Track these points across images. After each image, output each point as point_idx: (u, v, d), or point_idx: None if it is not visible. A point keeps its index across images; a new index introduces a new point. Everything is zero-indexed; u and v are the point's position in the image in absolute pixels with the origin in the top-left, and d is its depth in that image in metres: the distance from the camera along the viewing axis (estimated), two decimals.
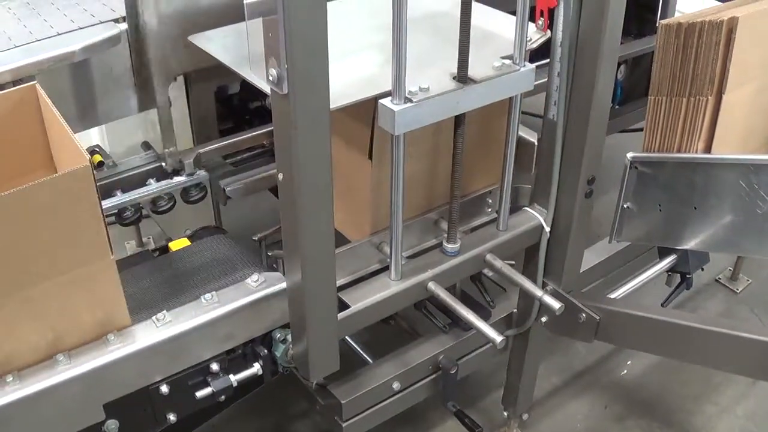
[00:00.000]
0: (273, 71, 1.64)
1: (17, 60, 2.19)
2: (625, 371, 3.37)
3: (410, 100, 1.89)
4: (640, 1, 3.75)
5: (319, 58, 1.62)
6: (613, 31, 2.10)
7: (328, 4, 2.46)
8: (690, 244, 2.47)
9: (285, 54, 1.58)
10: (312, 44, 1.60)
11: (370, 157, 2.17)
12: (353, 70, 2.12)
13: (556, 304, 2.28)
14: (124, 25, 2.32)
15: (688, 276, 2.74)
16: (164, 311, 1.98)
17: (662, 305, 2.77)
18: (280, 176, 1.80)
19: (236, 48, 2.20)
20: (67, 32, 2.33)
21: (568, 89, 2.20)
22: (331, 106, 1.73)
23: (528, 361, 2.81)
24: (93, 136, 3.45)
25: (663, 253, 2.70)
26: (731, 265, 3.86)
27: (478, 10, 2.36)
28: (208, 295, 2.03)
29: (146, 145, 2.80)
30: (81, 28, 2.34)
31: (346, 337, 2.76)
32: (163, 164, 2.57)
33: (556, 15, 2.11)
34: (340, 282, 2.17)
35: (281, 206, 1.86)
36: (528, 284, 2.34)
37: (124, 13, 2.31)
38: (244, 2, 1.69)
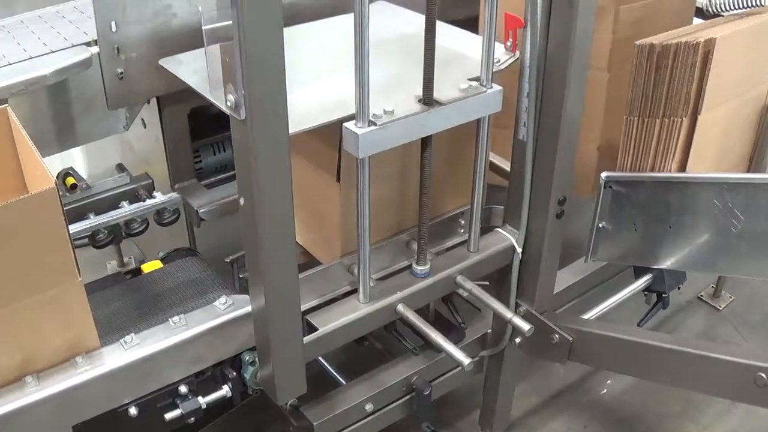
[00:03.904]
0: (231, 97, 1.64)
1: None
2: (605, 390, 3.35)
3: (374, 123, 1.89)
4: None
5: (276, 83, 1.63)
6: (581, 51, 2.11)
7: (305, 24, 2.50)
8: (666, 264, 2.47)
9: (242, 80, 1.59)
10: (269, 70, 1.60)
11: (339, 180, 2.18)
12: (323, 93, 2.12)
13: (525, 326, 2.27)
14: (95, 48, 2.31)
15: (664, 295, 2.74)
16: (132, 334, 1.98)
17: (638, 325, 2.77)
18: (242, 201, 1.80)
19: (206, 71, 2.20)
20: (39, 56, 2.33)
21: (538, 110, 2.20)
22: (292, 130, 1.73)
23: (504, 382, 2.81)
24: (76, 158, 3.47)
25: (639, 272, 2.70)
26: (713, 283, 3.85)
27: (449, 32, 2.37)
28: (176, 318, 2.03)
29: (120, 167, 2.80)
30: (53, 52, 2.34)
31: (320, 359, 2.76)
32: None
33: (523, 36, 2.12)
34: (310, 304, 2.18)
35: (243, 231, 1.86)
36: (498, 306, 2.33)
37: (96, 37, 2.31)
38: (203, 28, 1.70)
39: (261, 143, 1.67)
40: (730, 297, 3.83)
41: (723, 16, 2.55)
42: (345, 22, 2.51)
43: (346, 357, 2.84)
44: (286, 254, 1.86)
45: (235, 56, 1.57)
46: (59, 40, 2.41)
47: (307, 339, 2.08)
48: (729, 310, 3.78)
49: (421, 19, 2.30)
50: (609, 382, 3.37)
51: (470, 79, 2.09)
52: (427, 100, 2.00)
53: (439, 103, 2.00)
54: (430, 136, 2.06)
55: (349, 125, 1.90)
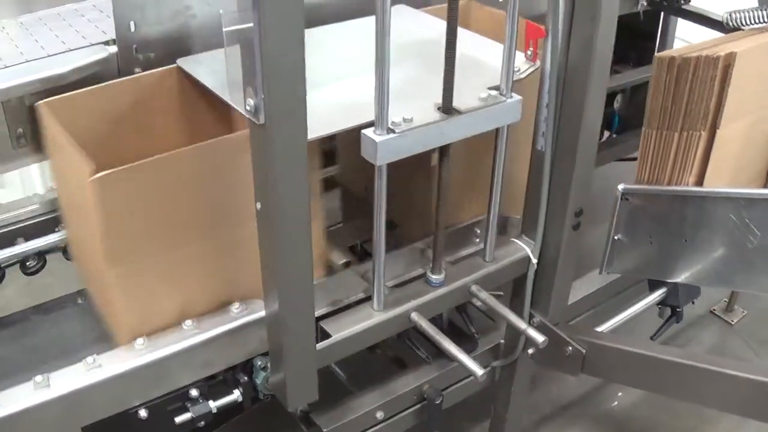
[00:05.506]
0: (250, 101, 1.62)
1: (7, 81, 2.19)
2: (616, 403, 3.34)
3: (393, 131, 1.88)
4: (639, 30, 3.74)
5: (296, 88, 1.60)
6: (602, 62, 2.09)
7: (324, 27, 2.49)
8: (680, 278, 2.46)
9: (262, 84, 1.57)
10: (289, 75, 1.58)
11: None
12: (341, 97, 2.11)
13: (539, 338, 2.25)
14: (114, 48, 2.31)
15: (678, 309, 2.73)
16: (144, 336, 1.97)
17: (652, 338, 2.75)
18: (258, 205, 1.79)
19: (224, 72, 2.19)
20: (57, 54, 2.33)
21: (557, 120, 2.19)
22: (311, 136, 1.71)
23: (515, 392, 2.78)
24: None
25: (653, 285, 2.69)
26: (726, 297, 3.84)
27: (469, 38, 2.36)
28: (188, 321, 2.02)
29: None
30: (71, 50, 2.34)
31: (331, 364, 2.75)
32: None
33: (544, 45, 2.10)
34: (323, 311, 2.17)
35: (259, 235, 1.85)
36: (512, 317, 2.31)
37: (114, 36, 2.30)
38: (223, 29, 1.69)
39: (280, 148, 1.65)
40: (743, 312, 3.81)
41: (743, 30, 2.54)
42: (363, 25, 2.50)
43: (357, 364, 2.83)
44: (302, 259, 1.84)
45: (255, 59, 1.56)
46: (77, 39, 2.41)
47: (320, 345, 2.07)
48: (741, 325, 3.77)
49: (439, 23, 2.30)
50: (620, 394, 3.36)
51: (490, 88, 2.07)
52: (447, 108, 1.98)
53: (458, 112, 1.98)
54: (449, 144, 2.05)
55: (368, 132, 1.88)
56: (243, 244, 2.01)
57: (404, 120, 1.90)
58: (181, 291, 2.01)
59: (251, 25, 1.54)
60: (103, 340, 2.05)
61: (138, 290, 1.94)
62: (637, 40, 3.75)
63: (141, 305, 1.97)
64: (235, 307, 2.06)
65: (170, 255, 1.95)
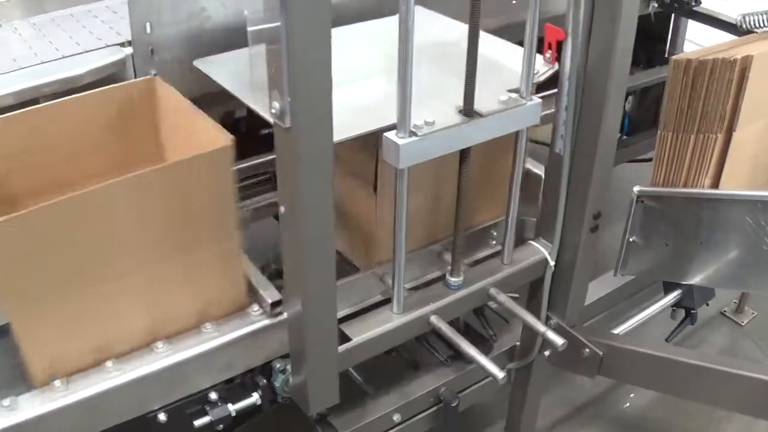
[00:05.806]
0: (276, 104, 1.61)
1: (21, 82, 2.18)
2: (628, 404, 3.34)
3: (415, 134, 1.87)
4: (649, 31, 3.73)
5: (323, 91, 1.60)
6: (622, 65, 2.08)
7: (336, 29, 2.47)
8: (695, 280, 2.46)
9: (288, 87, 1.56)
10: (316, 78, 1.57)
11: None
12: (359, 100, 2.10)
13: (559, 341, 2.25)
14: (129, 50, 2.30)
15: (692, 311, 2.73)
16: (162, 340, 1.96)
17: (666, 340, 2.75)
18: (282, 208, 1.78)
19: (241, 74, 2.17)
20: (72, 55, 2.32)
21: (575, 123, 2.18)
22: (334, 139, 1.70)
23: (530, 394, 2.78)
24: None
25: (668, 287, 2.69)
26: (736, 298, 3.84)
27: (486, 40, 2.35)
28: (207, 324, 2.01)
29: None
30: (86, 52, 2.33)
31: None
32: None
33: (563, 48, 2.10)
34: (341, 313, 2.14)
35: (282, 238, 1.84)
36: (531, 319, 2.31)
37: (129, 38, 2.29)
38: (248, 29, 1.67)
39: (305, 151, 1.64)
40: (753, 313, 3.82)
41: (756, 32, 2.54)
42: (379, 26, 2.49)
43: (374, 367, 2.83)
44: (326, 261, 1.84)
45: (282, 62, 1.54)
46: (92, 40, 2.40)
47: (341, 348, 2.06)
48: (752, 325, 3.78)
49: (456, 25, 2.29)
50: (632, 395, 3.36)
51: (509, 91, 2.07)
52: (468, 111, 1.97)
53: (479, 115, 1.97)
54: (470, 147, 2.04)
55: (390, 135, 1.87)
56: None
57: (426, 123, 1.89)
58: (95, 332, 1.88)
59: (278, 24, 1.52)
60: None
61: (46, 334, 1.79)
62: (646, 41, 3.75)
63: (51, 348, 1.82)
64: (255, 310, 2.05)
65: (85, 295, 1.80)
